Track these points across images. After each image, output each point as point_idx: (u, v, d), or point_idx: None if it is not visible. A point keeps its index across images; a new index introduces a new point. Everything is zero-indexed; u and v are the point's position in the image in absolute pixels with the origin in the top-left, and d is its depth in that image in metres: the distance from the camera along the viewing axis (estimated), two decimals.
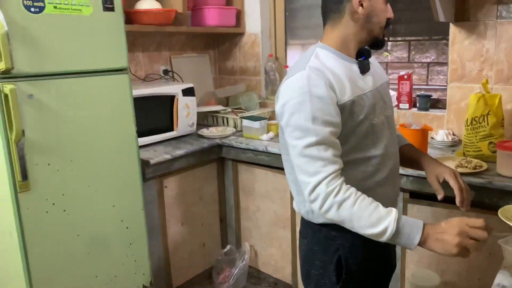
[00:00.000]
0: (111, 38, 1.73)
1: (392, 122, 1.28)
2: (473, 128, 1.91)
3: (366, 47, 1.22)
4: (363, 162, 1.15)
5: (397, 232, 0.98)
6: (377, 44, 1.20)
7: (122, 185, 1.84)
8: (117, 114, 1.79)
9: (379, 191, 1.17)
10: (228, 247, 2.52)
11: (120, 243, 1.86)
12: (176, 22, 2.53)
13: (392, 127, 1.27)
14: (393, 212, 1.00)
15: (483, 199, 1.63)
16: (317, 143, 1.03)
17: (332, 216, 1.02)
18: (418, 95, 2.42)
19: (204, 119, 2.81)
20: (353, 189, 1.03)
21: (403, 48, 2.58)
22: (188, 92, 2.44)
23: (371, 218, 0.99)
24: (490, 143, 1.86)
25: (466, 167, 1.73)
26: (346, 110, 1.08)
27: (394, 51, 2.60)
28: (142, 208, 1.93)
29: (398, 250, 2.02)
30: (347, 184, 1.05)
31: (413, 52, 2.55)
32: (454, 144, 2.14)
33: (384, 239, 0.99)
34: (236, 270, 2.41)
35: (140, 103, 2.11)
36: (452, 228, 0.97)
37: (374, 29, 1.15)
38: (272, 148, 2.22)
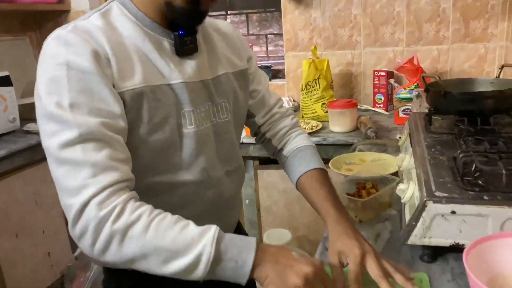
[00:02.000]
0: None
1: (229, 133, 0.93)
2: (307, 92, 2.07)
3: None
4: (165, 189, 0.82)
5: (218, 258, 0.65)
6: (182, 13, 0.79)
7: None
8: None
9: None
10: (79, 250, 2.29)
11: None
12: None
13: (227, 141, 0.92)
14: (212, 230, 0.67)
15: (321, 154, 1.78)
16: (81, 140, 0.67)
17: (114, 257, 0.65)
18: (259, 67, 2.52)
19: (33, 113, 2.47)
20: (146, 207, 0.68)
21: (244, 21, 2.65)
22: (3, 81, 2.10)
23: (177, 244, 0.65)
24: (323, 104, 2.04)
25: (305, 128, 1.86)
26: (128, 104, 0.75)
27: (239, 28, 2.65)
28: None
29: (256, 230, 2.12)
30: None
31: (258, 28, 2.64)
32: (295, 110, 2.30)
33: (200, 273, 0.65)
34: (92, 273, 2.21)
35: None
36: (303, 266, 0.66)
37: None
38: None
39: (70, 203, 0.66)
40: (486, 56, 2.10)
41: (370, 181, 1.16)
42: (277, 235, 1.80)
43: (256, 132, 1.09)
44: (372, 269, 0.73)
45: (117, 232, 0.65)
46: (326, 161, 1.68)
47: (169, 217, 0.69)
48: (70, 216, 0.66)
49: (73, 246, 2.36)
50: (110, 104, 0.72)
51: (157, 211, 0.69)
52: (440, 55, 2.15)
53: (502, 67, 1.36)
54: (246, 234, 1.13)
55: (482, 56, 2.10)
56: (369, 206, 1.09)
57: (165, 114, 0.79)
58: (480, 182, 0.86)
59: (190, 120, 0.83)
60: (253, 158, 1.96)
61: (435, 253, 0.88)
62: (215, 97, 0.89)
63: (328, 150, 1.77)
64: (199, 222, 0.82)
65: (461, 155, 0.91)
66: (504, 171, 0.83)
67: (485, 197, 0.81)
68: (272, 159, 1.94)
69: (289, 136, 1.06)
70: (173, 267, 0.65)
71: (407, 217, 0.91)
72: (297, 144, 1.02)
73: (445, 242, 0.84)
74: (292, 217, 2.01)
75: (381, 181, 1.16)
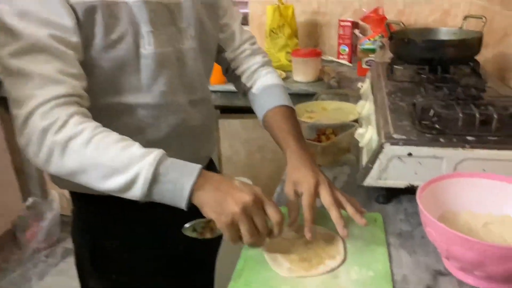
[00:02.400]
0: None
1: (194, 61, 0.89)
2: (271, 39, 2.01)
3: None
4: (124, 111, 0.80)
5: (156, 179, 0.64)
6: None
7: None
8: None
9: None
10: (30, 200, 2.22)
11: None
12: None
13: (192, 69, 0.88)
14: (154, 152, 0.66)
15: None
16: (30, 51, 0.66)
17: (56, 168, 0.66)
18: None
19: None
20: (91, 123, 0.67)
21: None
22: None
23: (116, 161, 0.65)
24: (287, 52, 1.99)
25: None
26: (81, 19, 0.71)
27: None
28: None
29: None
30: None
31: None
32: None
33: (137, 193, 0.65)
34: (46, 223, 2.16)
35: None
36: (243, 194, 0.65)
37: None
38: None
39: (16, 113, 0.66)
40: (450, 11, 2.10)
41: (330, 128, 1.15)
42: None
43: (227, 68, 1.05)
44: (325, 197, 0.74)
45: (57, 143, 0.65)
46: None
47: (113, 135, 0.68)
48: (16, 126, 0.67)
49: (25, 195, 2.28)
50: (62, 17, 0.69)
51: (102, 128, 0.68)
52: (405, 8, 2.14)
53: (466, 17, 1.36)
54: (217, 170, 1.12)
55: (446, 10, 2.10)
56: (328, 151, 1.09)
57: (121, 32, 0.75)
58: (437, 126, 0.87)
59: (149, 41, 0.79)
60: (215, 107, 1.91)
61: (390, 195, 0.89)
62: (178, 22, 0.85)
63: (292, 99, 1.75)
64: (162, 148, 0.81)
65: (420, 100, 0.92)
66: (460, 115, 0.84)
67: (441, 140, 0.82)
68: (234, 108, 1.91)
69: (259, 73, 1.01)
70: (111, 184, 0.66)
71: (364, 160, 0.92)
72: (266, 82, 0.99)
73: (400, 183, 0.85)
74: (253, 167, 2.01)
75: (341, 128, 1.16)
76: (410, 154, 0.82)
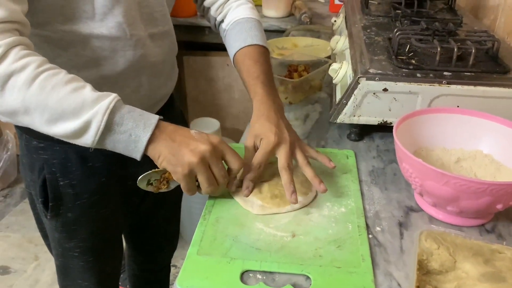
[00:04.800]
0: None
1: None
2: None
3: None
4: (77, 41, 0.71)
5: (110, 128, 0.59)
6: None
7: None
8: None
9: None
10: None
11: None
12: None
13: (154, 3, 0.79)
14: (109, 98, 0.60)
15: None
16: None
17: None
18: None
19: None
20: (35, 57, 0.59)
21: None
22: None
23: (64, 105, 0.58)
24: None
25: None
26: None
27: None
28: None
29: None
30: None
31: None
32: None
33: (89, 141, 0.60)
34: (1, 163, 2.05)
35: None
36: (199, 144, 0.62)
37: None
38: None
39: None
40: None
41: (302, 64, 1.10)
42: (204, 124, 1.74)
43: None
44: (281, 158, 0.69)
45: None
46: None
47: (62, 74, 0.60)
48: None
49: None
50: None
51: (48, 65, 0.59)
52: None
53: None
54: (180, 112, 1.04)
55: None
56: (300, 88, 1.05)
57: None
58: (414, 61, 0.84)
59: None
60: (178, 42, 1.80)
61: (363, 132, 0.87)
62: None
63: (265, 36, 1.66)
64: (119, 84, 0.76)
65: (397, 33, 0.87)
66: (438, 49, 0.80)
67: (418, 75, 0.79)
68: (199, 44, 1.81)
69: (229, 6, 0.91)
70: (59, 129, 0.59)
71: (338, 96, 0.88)
72: (237, 16, 0.88)
73: (374, 120, 0.82)
74: (220, 107, 1.95)
75: (313, 65, 1.11)
76: (385, 90, 0.79)
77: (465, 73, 0.80)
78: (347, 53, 0.96)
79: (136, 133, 0.60)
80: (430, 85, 0.78)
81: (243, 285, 0.54)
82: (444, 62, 0.81)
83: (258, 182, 0.71)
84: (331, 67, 0.93)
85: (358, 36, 0.99)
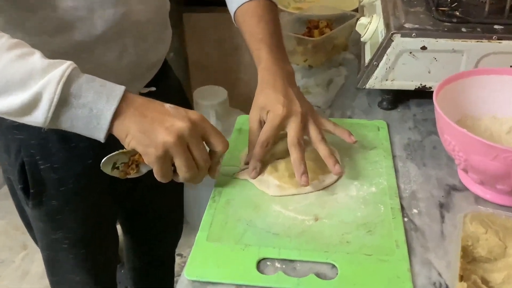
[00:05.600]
0: None
1: None
2: None
3: None
4: (44, 2, 0.68)
5: (65, 101, 0.57)
6: None
7: None
8: None
9: (88, 63, 0.70)
10: None
11: None
12: None
13: None
14: (63, 65, 0.57)
15: None
16: None
17: None
18: None
19: None
20: None
21: None
22: None
23: (7, 75, 0.56)
24: None
25: None
26: None
27: None
28: None
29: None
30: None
31: None
32: None
33: (40, 119, 0.57)
34: None
35: None
36: (176, 120, 0.59)
37: None
38: None
39: None
40: None
41: (324, 19, 1.08)
42: (209, 93, 1.73)
43: None
44: (290, 133, 0.68)
45: None
46: None
47: (4, 39, 0.57)
48: None
49: None
50: None
51: None
52: None
53: None
54: (178, 82, 1.03)
55: None
56: (321, 48, 1.03)
57: None
58: (458, 13, 0.82)
59: None
60: None
61: (396, 99, 0.87)
62: None
63: None
64: (99, 50, 0.74)
65: None
66: None
67: (463, 29, 0.77)
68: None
69: None
70: (2, 104, 0.57)
71: (367, 57, 0.87)
72: None
73: (410, 84, 0.82)
74: (229, 73, 1.94)
75: (337, 20, 1.09)
76: (424, 48, 0.78)
77: None
78: (378, 4, 0.94)
79: (98, 106, 0.57)
80: (477, 42, 0.76)
81: (260, 274, 0.55)
82: (495, 14, 0.79)
83: (270, 160, 0.71)
84: (358, 22, 0.92)
85: None
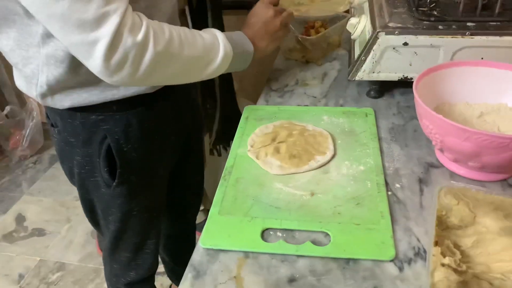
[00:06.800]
0: None
1: None
2: None
3: None
4: None
5: (233, 51, 0.75)
6: None
7: None
8: None
9: None
10: (8, 108, 2.13)
11: None
12: None
13: None
14: (216, 32, 0.74)
15: None
16: None
17: (159, 78, 0.67)
18: None
19: None
20: (162, 23, 0.66)
21: None
22: None
23: (206, 50, 0.70)
24: None
25: None
26: None
27: None
28: None
29: None
30: None
31: None
32: None
33: (227, 64, 0.74)
34: (28, 131, 2.10)
35: None
36: (264, 10, 0.83)
37: None
38: None
39: (93, 38, 0.57)
40: None
41: (319, 20, 1.07)
42: None
43: None
44: None
45: (161, 53, 0.63)
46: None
47: (185, 29, 0.69)
48: (100, 50, 0.58)
49: (2, 104, 2.19)
50: None
51: (169, 26, 0.67)
52: None
53: None
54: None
55: None
56: (318, 46, 1.02)
57: None
58: (436, 13, 0.80)
59: None
60: None
61: (382, 89, 0.85)
62: None
63: None
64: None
65: None
66: None
67: (440, 27, 0.76)
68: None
69: None
70: (209, 70, 0.73)
71: (357, 53, 0.86)
72: None
73: (394, 76, 0.80)
74: None
75: (331, 20, 1.07)
76: (406, 44, 0.76)
77: (490, 23, 0.76)
78: (366, 6, 0.93)
79: (245, 41, 0.78)
80: (452, 37, 0.75)
81: (264, 242, 0.56)
82: (468, 12, 0.77)
83: (273, 144, 0.71)
84: (349, 22, 0.90)
85: None
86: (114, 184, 0.81)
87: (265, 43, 0.82)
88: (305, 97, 0.88)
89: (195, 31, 0.71)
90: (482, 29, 0.75)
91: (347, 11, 1.11)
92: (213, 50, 0.71)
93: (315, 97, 0.87)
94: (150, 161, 0.85)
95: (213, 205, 0.62)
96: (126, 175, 0.81)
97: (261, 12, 0.83)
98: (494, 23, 0.76)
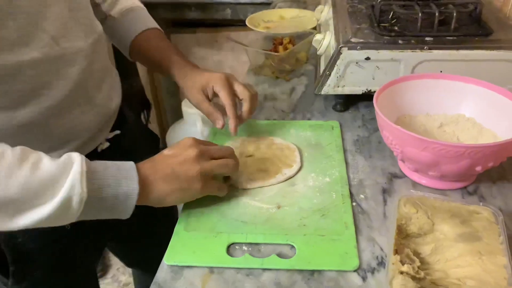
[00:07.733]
0: None
1: None
2: None
3: None
4: (3, 75, 0.56)
5: (93, 189, 0.51)
6: None
7: None
8: None
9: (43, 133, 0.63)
10: None
11: None
12: None
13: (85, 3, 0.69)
14: (75, 161, 0.51)
15: (238, 14, 1.67)
16: None
17: None
18: None
19: None
20: None
21: None
22: None
23: (30, 190, 0.48)
24: None
25: None
26: None
27: None
28: None
29: None
30: None
31: None
32: None
33: (69, 219, 0.52)
34: None
35: None
36: (184, 151, 0.59)
37: None
38: None
39: None
40: None
41: (287, 37, 1.09)
42: None
43: None
44: (241, 90, 0.72)
45: None
46: (243, 22, 1.58)
47: (8, 154, 0.49)
48: None
49: None
50: None
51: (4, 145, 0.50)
52: None
53: None
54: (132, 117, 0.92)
55: None
56: (286, 62, 1.04)
57: None
58: (396, 28, 0.83)
59: None
60: (165, 20, 1.77)
61: (348, 102, 0.87)
62: None
63: (246, 10, 1.65)
64: (64, 113, 0.64)
65: (379, 1, 0.86)
66: (420, 14, 0.79)
67: (400, 42, 0.79)
68: (188, 21, 1.79)
69: None
70: (31, 218, 0.49)
71: (322, 68, 0.87)
72: (128, 4, 0.84)
73: (358, 89, 0.82)
74: None
75: (298, 37, 1.10)
76: (368, 58, 0.79)
77: (447, 38, 0.79)
78: (331, 22, 0.95)
79: (125, 183, 0.53)
80: (412, 52, 0.77)
81: (229, 257, 0.55)
82: (426, 28, 0.80)
83: (240, 159, 0.71)
84: (314, 38, 0.92)
85: (342, 5, 0.98)
86: (10, 283, 0.68)
87: (167, 189, 0.57)
88: (274, 111, 0.89)
89: (29, 158, 0.50)
90: (440, 43, 0.78)
91: (315, 28, 1.14)
92: (47, 186, 0.49)
93: (283, 111, 0.88)
94: (64, 250, 0.71)
95: (178, 221, 0.61)
96: (24, 272, 0.68)
97: (182, 147, 0.60)
98: (451, 38, 0.79)
